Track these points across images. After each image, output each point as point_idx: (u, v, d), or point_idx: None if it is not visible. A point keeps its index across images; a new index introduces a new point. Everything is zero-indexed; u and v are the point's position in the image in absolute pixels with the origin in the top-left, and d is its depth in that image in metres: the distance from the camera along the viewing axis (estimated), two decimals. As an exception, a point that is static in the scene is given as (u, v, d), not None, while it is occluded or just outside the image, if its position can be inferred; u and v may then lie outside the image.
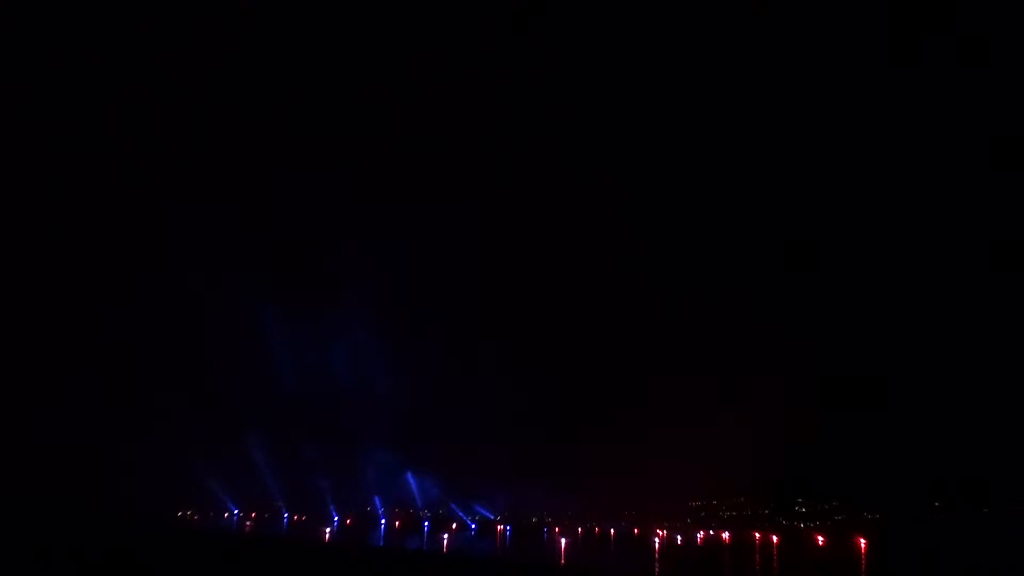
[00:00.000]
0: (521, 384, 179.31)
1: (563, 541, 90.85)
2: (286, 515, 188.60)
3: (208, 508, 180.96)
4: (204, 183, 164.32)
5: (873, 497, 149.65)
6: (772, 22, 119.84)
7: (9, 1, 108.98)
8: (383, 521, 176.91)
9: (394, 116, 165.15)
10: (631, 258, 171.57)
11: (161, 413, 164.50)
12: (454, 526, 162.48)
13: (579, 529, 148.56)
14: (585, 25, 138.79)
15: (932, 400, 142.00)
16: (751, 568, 71.38)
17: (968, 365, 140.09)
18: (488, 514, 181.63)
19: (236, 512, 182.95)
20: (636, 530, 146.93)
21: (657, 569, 66.23)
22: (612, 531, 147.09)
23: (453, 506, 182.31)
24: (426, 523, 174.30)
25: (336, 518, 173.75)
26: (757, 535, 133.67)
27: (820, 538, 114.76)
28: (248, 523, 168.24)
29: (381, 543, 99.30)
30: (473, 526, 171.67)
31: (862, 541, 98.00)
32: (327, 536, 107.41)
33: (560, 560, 72.84)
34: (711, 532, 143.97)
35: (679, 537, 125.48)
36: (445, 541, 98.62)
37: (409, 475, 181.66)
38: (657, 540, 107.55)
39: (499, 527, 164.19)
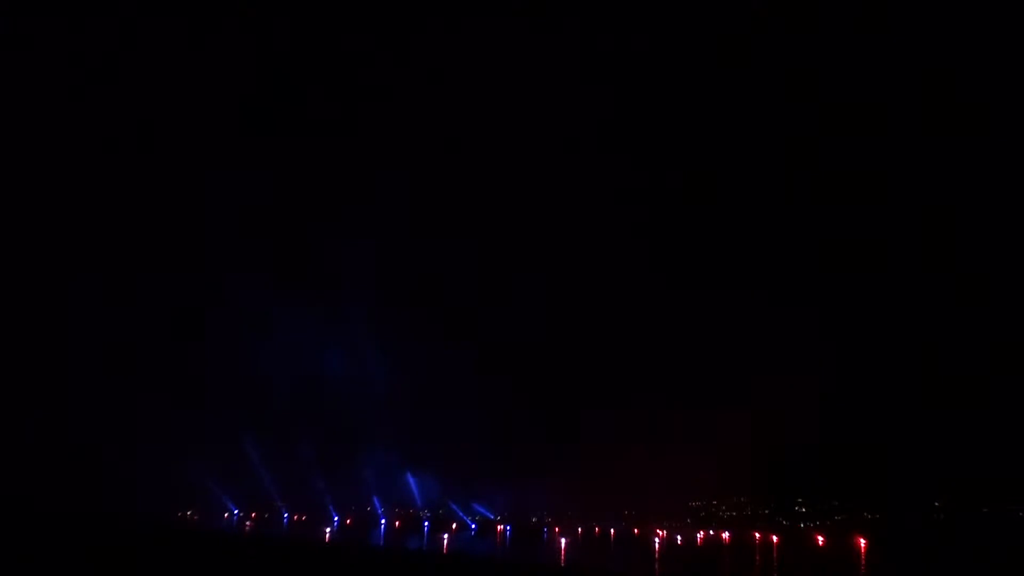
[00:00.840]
0: (521, 384, 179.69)
1: (563, 541, 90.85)
2: (286, 515, 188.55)
3: (208, 508, 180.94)
4: (202, 183, 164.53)
5: (873, 497, 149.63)
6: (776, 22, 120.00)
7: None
8: (383, 521, 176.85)
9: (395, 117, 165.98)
10: (632, 258, 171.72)
11: (161, 413, 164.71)
12: (454, 526, 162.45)
13: (579, 529, 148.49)
14: (598, 21, 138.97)
15: (932, 400, 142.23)
16: (751, 568, 71.38)
17: (968, 365, 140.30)
18: (488, 514, 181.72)
19: (236, 512, 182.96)
20: (636, 530, 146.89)
21: (657, 569, 66.26)
22: (612, 531, 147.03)
23: (453, 506, 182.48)
24: (426, 523, 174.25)
25: (336, 518, 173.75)
26: (757, 535, 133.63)
27: (820, 538, 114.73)
28: (248, 523, 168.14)
29: (381, 543, 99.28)
30: (473, 526, 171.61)
31: (862, 541, 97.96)
32: (327, 536, 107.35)
33: (560, 560, 72.88)
34: (711, 532, 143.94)
35: (679, 537, 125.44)
36: (445, 541, 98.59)
37: (409, 475, 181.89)
38: (657, 540, 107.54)
39: (499, 527, 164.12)
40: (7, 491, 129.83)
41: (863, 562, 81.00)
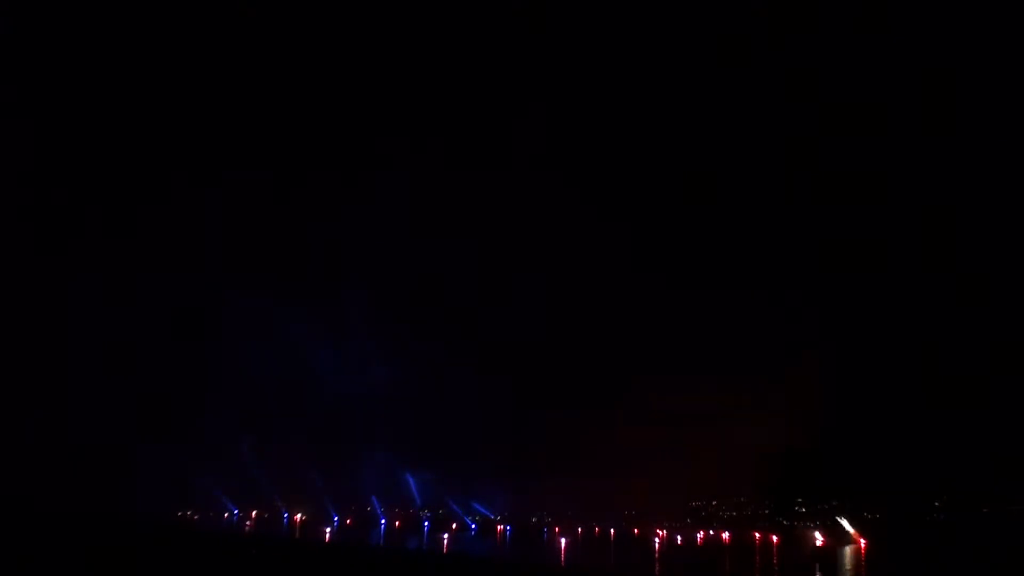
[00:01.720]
0: (521, 384, 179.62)
1: (563, 541, 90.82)
2: (286, 515, 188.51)
3: (208, 508, 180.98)
4: (201, 184, 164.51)
5: (873, 497, 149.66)
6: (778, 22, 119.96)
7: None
8: (383, 521, 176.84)
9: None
10: (633, 259, 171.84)
11: (161, 413, 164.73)
12: (454, 526, 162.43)
13: (579, 529, 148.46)
14: (598, 21, 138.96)
15: (932, 400, 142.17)
16: (751, 568, 71.40)
17: (968, 366, 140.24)
18: (488, 514, 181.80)
19: (236, 512, 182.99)
20: (636, 530, 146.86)
21: (657, 569, 66.29)
22: (612, 531, 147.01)
23: (453, 506, 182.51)
24: (426, 523, 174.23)
25: (336, 518, 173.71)
26: (757, 535, 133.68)
27: (820, 538, 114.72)
28: (248, 523, 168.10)
29: (381, 543, 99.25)
30: (473, 526, 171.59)
31: (862, 541, 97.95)
32: (327, 536, 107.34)
33: (560, 560, 72.89)
34: (711, 532, 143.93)
35: (679, 537, 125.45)
36: (445, 541, 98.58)
37: (408, 475, 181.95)
38: (657, 540, 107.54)
39: (499, 527, 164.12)
40: (7, 491, 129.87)
41: (863, 562, 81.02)
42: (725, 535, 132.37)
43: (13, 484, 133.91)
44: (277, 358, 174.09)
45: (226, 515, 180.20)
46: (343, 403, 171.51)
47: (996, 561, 78.93)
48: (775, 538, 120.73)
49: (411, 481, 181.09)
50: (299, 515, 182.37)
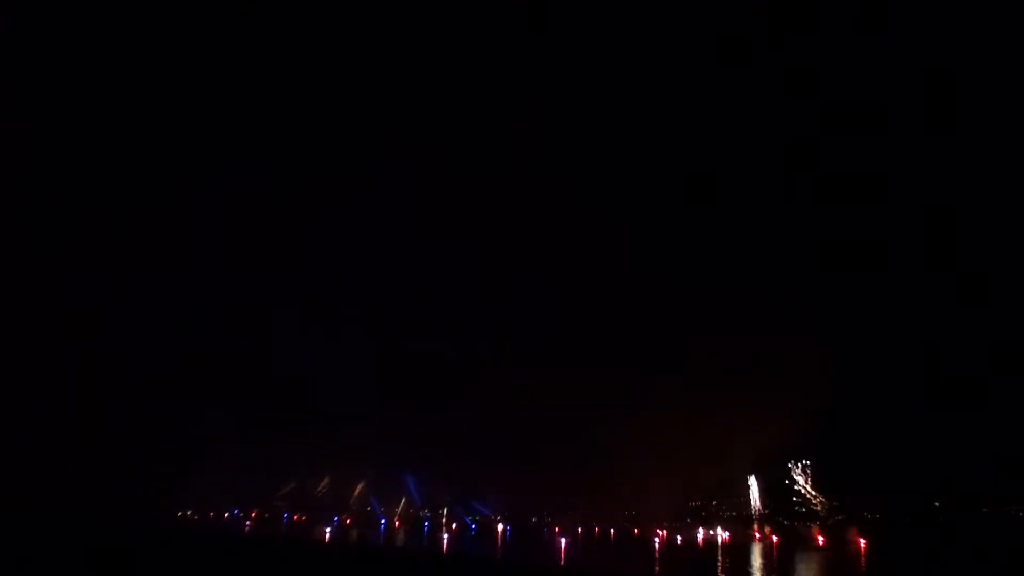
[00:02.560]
0: (521, 383, 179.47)
1: (563, 541, 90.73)
2: (285, 515, 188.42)
3: (208, 508, 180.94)
4: (202, 182, 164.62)
5: (873, 497, 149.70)
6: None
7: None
8: (383, 521, 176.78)
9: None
10: (633, 258, 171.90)
11: (161, 413, 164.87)
12: (454, 526, 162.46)
13: (579, 529, 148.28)
14: (599, 24, 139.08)
15: (932, 400, 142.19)
16: (751, 568, 71.38)
17: (968, 366, 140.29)
18: (488, 513, 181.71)
19: (236, 512, 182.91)
20: (636, 530, 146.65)
21: (657, 569, 66.26)
22: (612, 531, 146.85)
23: (453, 506, 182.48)
24: (426, 523, 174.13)
25: (336, 518, 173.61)
26: (757, 535, 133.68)
27: (820, 538, 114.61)
28: (248, 523, 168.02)
29: (381, 543, 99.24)
30: (473, 526, 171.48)
31: (862, 541, 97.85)
32: (327, 536, 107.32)
33: (560, 560, 72.85)
34: (711, 532, 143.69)
35: (679, 537, 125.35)
36: (445, 541, 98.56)
37: (408, 475, 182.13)
38: (657, 540, 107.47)
39: (499, 527, 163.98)
40: (8, 491, 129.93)
41: (863, 562, 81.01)
42: (725, 535, 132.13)
43: (13, 484, 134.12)
44: (276, 359, 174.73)
45: (226, 515, 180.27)
46: (344, 403, 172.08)
47: (996, 561, 78.94)
48: (775, 538, 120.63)
49: (411, 481, 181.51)
50: (298, 515, 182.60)
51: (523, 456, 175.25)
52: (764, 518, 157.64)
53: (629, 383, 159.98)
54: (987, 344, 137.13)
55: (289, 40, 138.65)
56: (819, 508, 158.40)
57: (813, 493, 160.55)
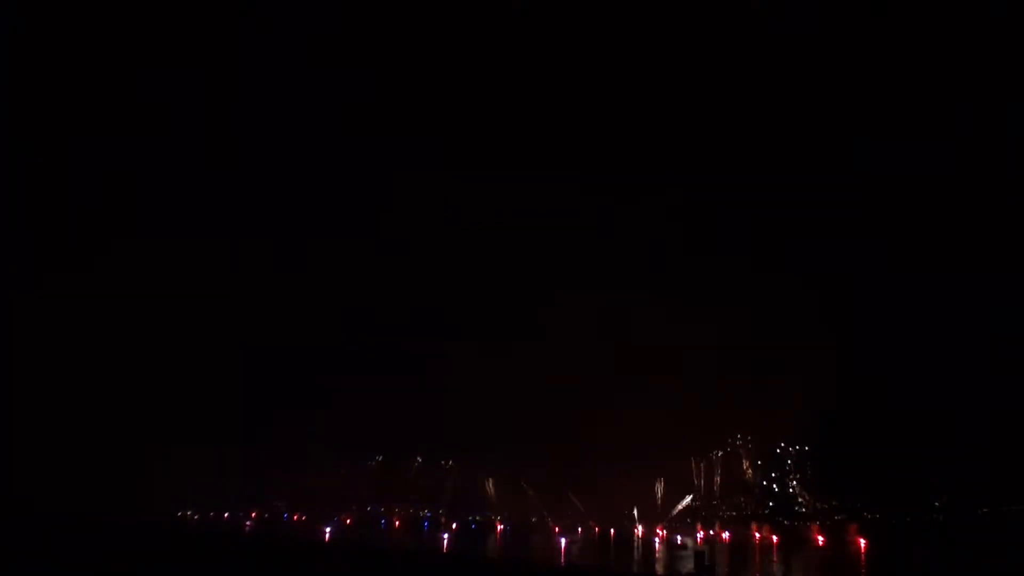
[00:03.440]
0: (521, 385, 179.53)
1: (563, 541, 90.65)
2: (285, 515, 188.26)
3: (208, 508, 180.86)
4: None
5: (873, 497, 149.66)
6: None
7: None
8: (383, 521, 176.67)
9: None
10: (633, 260, 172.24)
11: (161, 414, 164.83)
12: (454, 526, 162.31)
13: (579, 529, 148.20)
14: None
15: (932, 401, 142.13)
16: (751, 568, 71.41)
17: (967, 366, 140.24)
18: (488, 513, 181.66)
19: (237, 512, 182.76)
20: (636, 530, 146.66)
21: (658, 569, 66.30)
22: (612, 531, 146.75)
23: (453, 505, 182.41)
24: (426, 523, 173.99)
25: (336, 518, 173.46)
26: (757, 535, 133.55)
27: (820, 538, 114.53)
28: (248, 523, 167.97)
29: (381, 543, 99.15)
30: (473, 526, 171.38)
31: (862, 541, 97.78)
32: (327, 536, 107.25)
33: (560, 560, 72.92)
34: (711, 532, 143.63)
35: (679, 537, 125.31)
36: (445, 541, 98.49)
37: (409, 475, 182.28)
38: (657, 540, 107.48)
39: (499, 527, 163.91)
40: (9, 491, 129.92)
41: (863, 562, 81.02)
42: (725, 535, 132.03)
43: (14, 484, 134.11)
44: (275, 359, 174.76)
45: (226, 515, 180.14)
46: (345, 402, 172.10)
47: (996, 561, 78.90)
48: (775, 538, 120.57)
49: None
50: (298, 515, 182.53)
51: (523, 455, 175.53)
52: (764, 518, 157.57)
53: (630, 384, 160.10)
54: (987, 344, 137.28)
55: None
56: (806, 507, 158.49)
57: (805, 496, 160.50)
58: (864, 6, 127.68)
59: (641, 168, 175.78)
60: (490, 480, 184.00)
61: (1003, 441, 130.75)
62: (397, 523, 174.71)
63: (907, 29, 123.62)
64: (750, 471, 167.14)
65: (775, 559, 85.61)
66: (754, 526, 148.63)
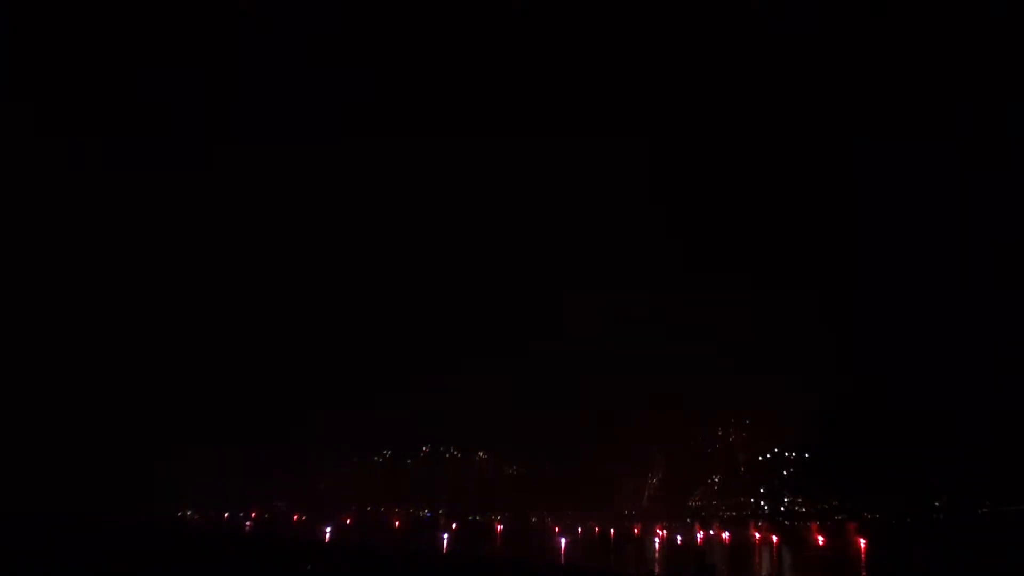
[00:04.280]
0: (521, 385, 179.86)
1: (563, 541, 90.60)
2: (285, 511, 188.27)
3: (208, 508, 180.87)
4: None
5: (873, 497, 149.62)
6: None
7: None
8: (383, 521, 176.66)
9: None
10: (636, 269, 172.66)
11: (161, 414, 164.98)
12: (454, 526, 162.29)
13: (579, 529, 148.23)
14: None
15: (932, 401, 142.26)
16: (751, 568, 71.42)
17: (967, 366, 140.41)
18: (488, 513, 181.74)
19: (238, 512, 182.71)
20: (636, 530, 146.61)
21: (657, 569, 66.31)
22: (612, 531, 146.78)
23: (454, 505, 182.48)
24: (426, 523, 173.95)
25: (336, 518, 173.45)
26: (757, 535, 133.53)
27: (820, 538, 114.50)
28: (248, 523, 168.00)
29: (381, 543, 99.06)
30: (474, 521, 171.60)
31: (862, 541, 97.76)
32: (327, 536, 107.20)
33: (560, 560, 72.88)
34: (711, 532, 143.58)
35: (679, 537, 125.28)
36: (445, 541, 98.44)
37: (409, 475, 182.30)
38: (657, 540, 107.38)
39: (499, 527, 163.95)
40: (9, 491, 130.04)
41: (863, 562, 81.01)
42: (725, 535, 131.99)
43: (14, 484, 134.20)
44: (274, 357, 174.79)
45: (226, 515, 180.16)
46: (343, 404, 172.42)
47: (996, 561, 78.88)
48: (775, 538, 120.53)
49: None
50: (298, 515, 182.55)
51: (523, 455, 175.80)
52: (764, 518, 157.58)
53: (629, 382, 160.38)
54: (987, 344, 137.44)
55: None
56: (806, 507, 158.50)
57: (805, 496, 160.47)
58: (864, 6, 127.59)
59: (641, 168, 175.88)
60: (490, 480, 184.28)
61: (1003, 441, 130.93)
62: (397, 523, 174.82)
63: (906, 29, 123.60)
64: (750, 471, 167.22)
65: (775, 559, 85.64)
66: (753, 526, 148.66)
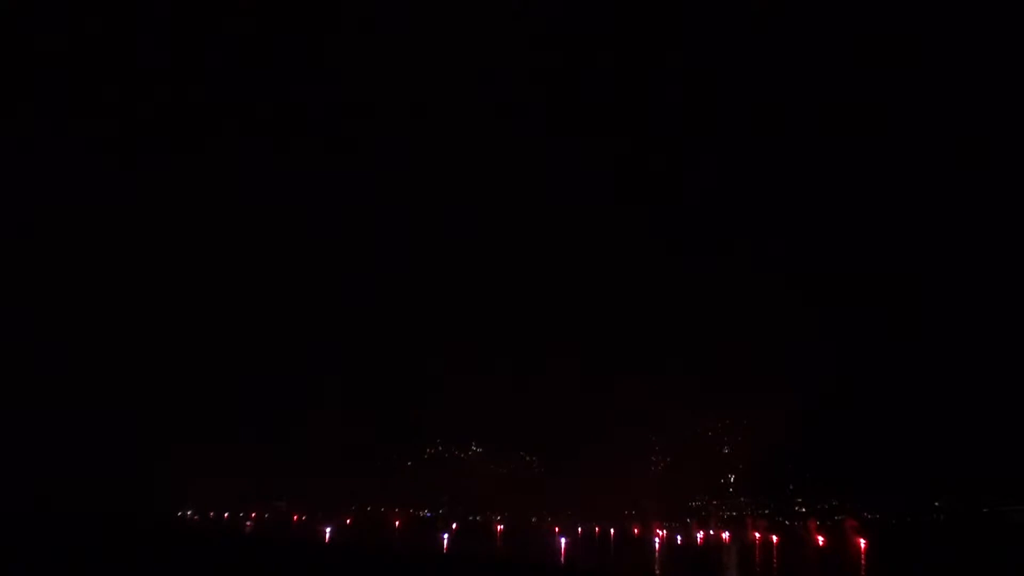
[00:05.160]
0: (521, 384, 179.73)
1: (563, 541, 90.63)
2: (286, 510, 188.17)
3: (208, 508, 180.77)
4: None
5: (873, 497, 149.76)
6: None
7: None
8: (383, 521, 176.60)
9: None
10: (634, 267, 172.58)
11: (161, 414, 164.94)
12: (454, 526, 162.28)
13: (579, 529, 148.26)
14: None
15: (932, 401, 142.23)
16: (751, 567, 71.44)
17: (967, 366, 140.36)
18: (488, 512, 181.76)
19: (236, 512, 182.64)
20: (636, 530, 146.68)
21: (657, 569, 66.33)
22: (612, 531, 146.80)
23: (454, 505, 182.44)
24: (426, 523, 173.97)
25: (336, 518, 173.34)
26: (757, 535, 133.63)
27: (820, 538, 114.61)
28: (248, 523, 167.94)
29: (381, 543, 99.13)
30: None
31: (862, 541, 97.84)
32: (327, 536, 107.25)
33: (560, 560, 72.90)
34: (711, 532, 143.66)
35: (679, 537, 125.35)
36: (445, 541, 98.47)
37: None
38: (657, 540, 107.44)
39: (499, 527, 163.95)
40: (9, 491, 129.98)
41: (863, 562, 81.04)
42: (725, 535, 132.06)
43: (14, 484, 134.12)
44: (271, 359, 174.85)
45: (227, 515, 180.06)
46: (345, 403, 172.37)
47: (996, 561, 78.97)
48: (775, 538, 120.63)
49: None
50: (297, 515, 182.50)
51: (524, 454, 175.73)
52: (764, 518, 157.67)
53: (631, 383, 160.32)
54: (987, 343, 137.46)
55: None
56: (806, 507, 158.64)
57: (804, 496, 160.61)
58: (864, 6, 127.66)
59: (638, 169, 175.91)
60: (489, 479, 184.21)
61: (1003, 441, 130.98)
62: (397, 523, 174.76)
63: (907, 29, 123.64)
64: (750, 471, 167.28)
65: (775, 559, 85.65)
66: (752, 525, 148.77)
